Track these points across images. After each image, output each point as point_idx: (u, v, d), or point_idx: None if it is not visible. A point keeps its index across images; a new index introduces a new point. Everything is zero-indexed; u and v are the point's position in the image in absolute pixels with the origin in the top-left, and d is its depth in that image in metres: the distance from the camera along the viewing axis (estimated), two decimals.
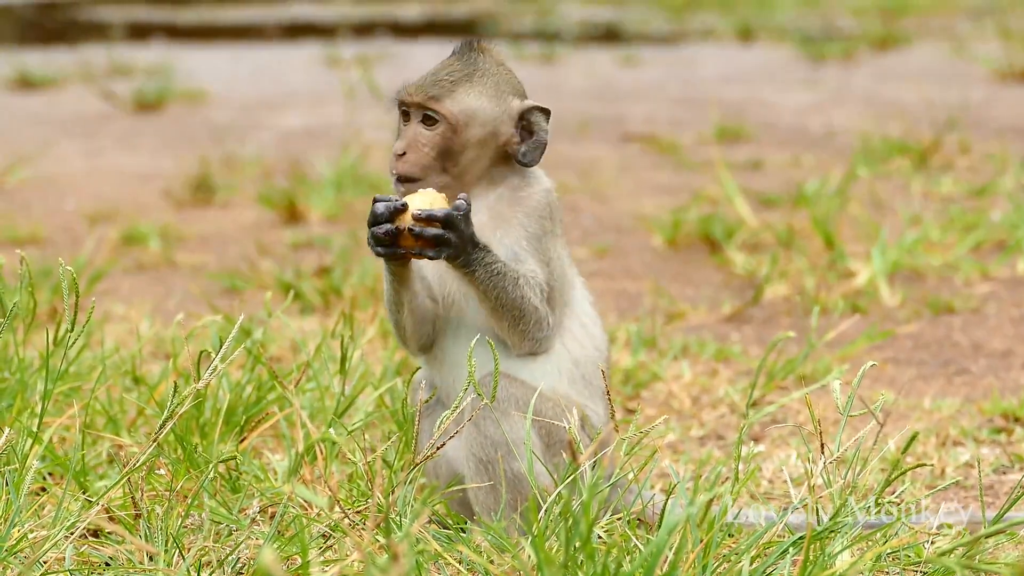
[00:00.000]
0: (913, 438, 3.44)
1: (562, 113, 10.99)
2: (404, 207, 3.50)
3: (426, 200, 3.52)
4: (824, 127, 10.55)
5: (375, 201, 3.52)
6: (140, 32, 17.56)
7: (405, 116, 3.67)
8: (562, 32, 17.37)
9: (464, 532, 3.58)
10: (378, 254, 3.52)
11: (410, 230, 3.48)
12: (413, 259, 3.56)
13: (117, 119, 11.49)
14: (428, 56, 3.73)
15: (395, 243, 3.50)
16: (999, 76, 12.61)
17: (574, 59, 14.72)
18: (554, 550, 3.24)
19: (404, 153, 3.62)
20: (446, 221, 3.48)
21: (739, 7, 19.29)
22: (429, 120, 3.63)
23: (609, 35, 17.37)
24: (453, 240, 3.49)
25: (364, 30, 17.57)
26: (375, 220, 3.50)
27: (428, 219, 3.47)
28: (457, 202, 3.51)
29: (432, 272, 3.68)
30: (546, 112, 3.67)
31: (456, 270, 3.56)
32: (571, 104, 11.63)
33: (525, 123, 3.67)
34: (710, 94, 12.11)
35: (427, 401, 3.65)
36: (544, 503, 3.38)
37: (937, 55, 14.46)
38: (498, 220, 3.65)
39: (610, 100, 12.09)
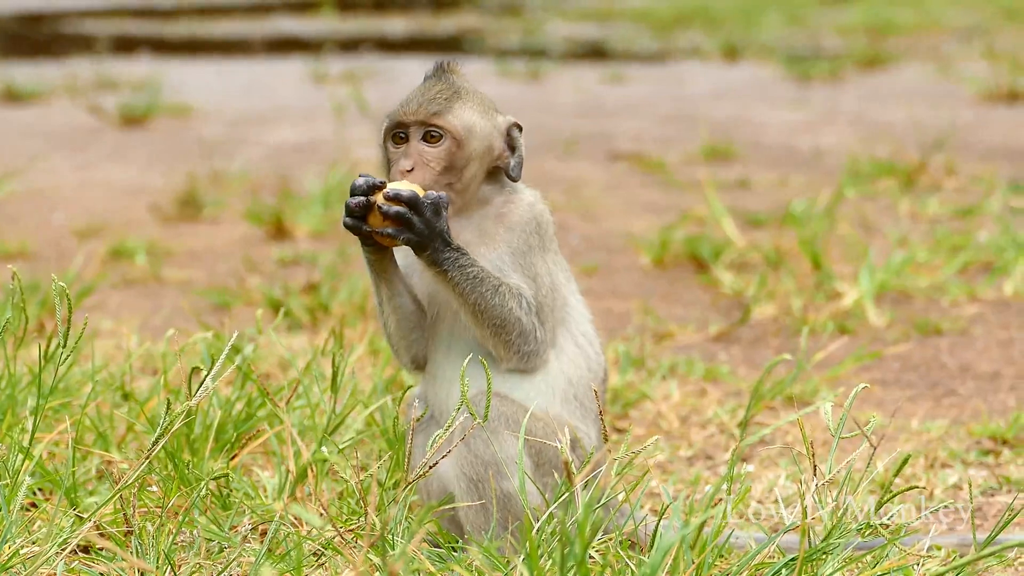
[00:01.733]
0: (905, 461, 3.45)
1: (549, 130, 11.00)
2: (382, 184, 3.56)
3: (407, 187, 3.56)
4: (811, 147, 10.57)
5: (359, 176, 3.58)
6: (127, 46, 17.54)
7: (398, 140, 3.67)
8: (548, 49, 17.38)
9: (456, 551, 3.58)
10: (345, 225, 3.58)
11: (378, 207, 3.53)
12: (386, 245, 3.59)
13: (104, 133, 11.48)
14: (415, 72, 3.77)
15: (364, 218, 3.55)
16: (985, 97, 12.65)
17: (560, 76, 14.73)
18: (547, 569, 3.24)
19: (411, 170, 3.63)
20: (410, 202, 3.52)
21: (725, 25, 19.31)
22: (432, 137, 3.64)
23: (595, 52, 17.38)
24: (416, 224, 3.52)
25: (350, 45, 17.57)
26: (352, 192, 3.57)
27: (394, 198, 3.53)
28: (430, 192, 3.55)
29: (420, 284, 3.69)
30: (520, 128, 3.74)
31: (430, 269, 3.57)
32: (558, 121, 11.65)
33: (509, 139, 3.70)
34: (697, 112, 12.13)
35: (419, 419, 3.65)
36: (535, 523, 3.38)
37: (924, 75, 14.49)
38: (484, 237, 3.67)
39: (597, 117, 12.10)
